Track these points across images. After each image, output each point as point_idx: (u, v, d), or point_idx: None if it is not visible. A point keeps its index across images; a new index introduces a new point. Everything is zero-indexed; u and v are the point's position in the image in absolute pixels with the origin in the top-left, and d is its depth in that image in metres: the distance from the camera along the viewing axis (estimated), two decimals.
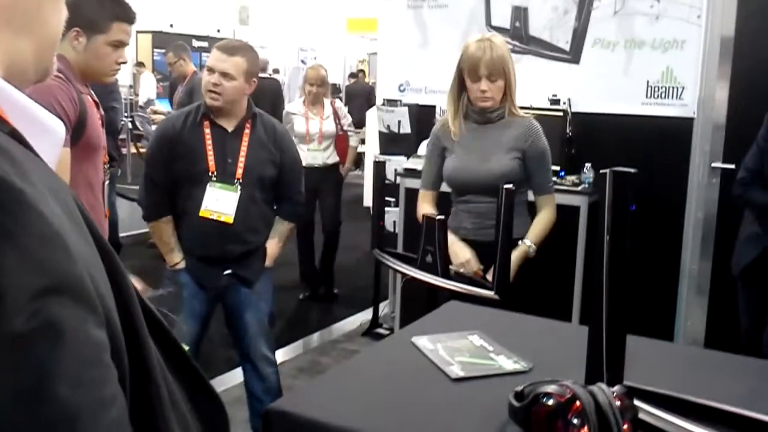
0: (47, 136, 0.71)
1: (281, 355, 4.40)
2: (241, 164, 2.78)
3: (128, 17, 2.25)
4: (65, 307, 0.53)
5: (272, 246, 2.97)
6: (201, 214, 2.76)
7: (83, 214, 0.64)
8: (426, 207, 2.86)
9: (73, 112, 2.08)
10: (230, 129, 2.80)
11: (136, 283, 2.49)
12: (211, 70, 2.72)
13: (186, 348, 0.86)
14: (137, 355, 0.64)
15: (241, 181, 2.78)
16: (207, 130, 2.78)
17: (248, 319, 2.95)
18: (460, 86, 2.73)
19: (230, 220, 2.77)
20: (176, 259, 2.86)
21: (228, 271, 2.87)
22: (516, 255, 2.61)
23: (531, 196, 2.83)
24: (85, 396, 0.53)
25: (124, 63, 2.30)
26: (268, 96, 6.94)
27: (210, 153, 2.76)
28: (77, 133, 2.12)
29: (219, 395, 0.88)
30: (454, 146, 2.78)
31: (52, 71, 0.77)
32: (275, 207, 3.00)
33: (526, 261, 2.67)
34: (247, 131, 2.81)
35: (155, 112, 6.84)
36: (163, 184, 2.82)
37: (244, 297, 2.93)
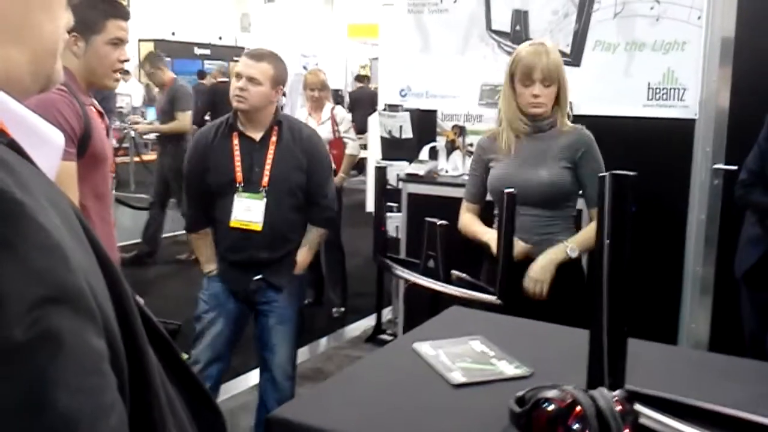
0: (46, 146, 0.71)
1: None
2: (267, 173, 2.83)
3: (122, 14, 2.27)
4: (64, 316, 0.53)
5: (302, 254, 2.99)
6: (231, 224, 2.83)
7: (83, 225, 0.65)
8: (468, 219, 2.78)
9: (77, 126, 2.09)
10: (257, 138, 2.86)
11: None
12: (238, 76, 2.80)
13: (185, 357, 0.86)
14: (136, 363, 0.64)
15: (267, 188, 2.82)
16: (235, 141, 2.86)
17: (272, 324, 2.97)
18: (512, 95, 2.61)
19: (259, 227, 2.82)
20: (211, 267, 2.97)
21: (258, 277, 2.91)
22: (552, 252, 2.53)
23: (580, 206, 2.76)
24: (85, 404, 0.53)
25: (127, 61, 2.31)
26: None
27: (238, 163, 2.83)
28: (83, 145, 2.13)
29: (219, 405, 0.88)
30: (500, 156, 2.66)
31: (57, 80, 0.77)
32: (307, 213, 3.01)
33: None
34: (273, 139, 2.86)
35: (135, 123, 6.88)
36: (201, 195, 2.93)
37: (272, 301, 2.96)
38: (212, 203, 2.91)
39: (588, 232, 2.60)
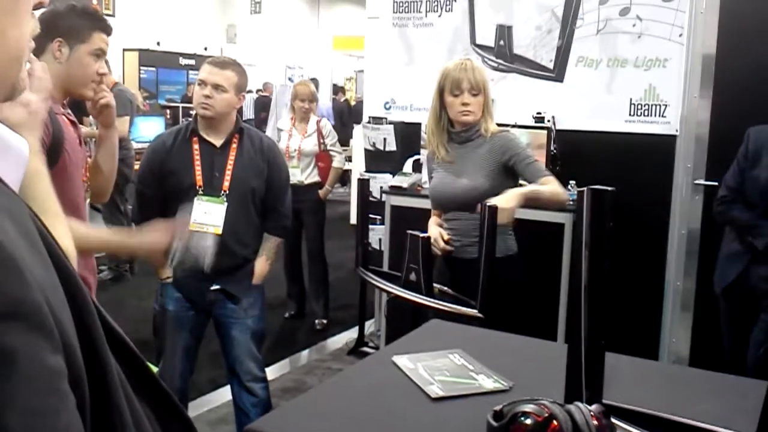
0: (10, 155, 0.69)
1: (267, 374, 4.37)
2: (227, 177, 2.83)
3: (106, 28, 2.29)
4: (18, 333, 0.51)
5: (260, 263, 2.98)
6: (190, 227, 2.79)
7: (43, 237, 0.63)
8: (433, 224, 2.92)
9: (46, 136, 2.06)
10: (218, 144, 2.87)
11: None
12: (203, 83, 2.80)
13: (155, 369, 0.85)
14: (98, 380, 0.62)
15: (227, 193, 2.82)
16: (195, 146, 2.85)
17: (234, 335, 2.97)
18: (440, 107, 2.83)
19: (218, 231, 2.81)
20: (167, 273, 2.92)
21: (215, 287, 2.89)
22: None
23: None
24: (39, 426, 0.51)
25: (105, 74, 2.31)
26: None
27: (198, 168, 2.83)
28: (54, 155, 2.10)
29: (188, 416, 0.87)
30: (437, 166, 2.89)
31: (21, 88, 0.74)
32: (264, 222, 3.00)
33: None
34: (234, 145, 2.88)
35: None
36: (153, 200, 2.89)
37: (231, 313, 2.95)
38: (167, 208, 2.84)
39: (547, 186, 2.66)
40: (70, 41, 2.20)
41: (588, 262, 1.26)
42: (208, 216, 2.81)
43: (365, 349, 4.72)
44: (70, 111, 2.30)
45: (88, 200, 2.40)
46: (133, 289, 5.95)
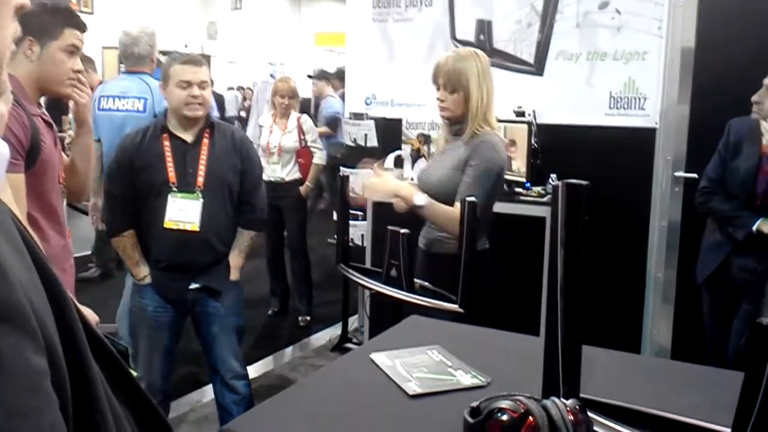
0: None
1: (250, 372, 4.35)
2: (201, 173, 2.80)
3: (80, 24, 2.26)
4: (2, 333, 0.51)
5: (234, 257, 2.96)
6: (165, 225, 2.78)
7: (24, 239, 0.62)
8: None
9: (24, 138, 2.04)
10: (190, 140, 2.83)
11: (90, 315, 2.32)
12: (188, 84, 2.76)
13: (135, 374, 0.84)
14: (80, 381, 0.63)
15: (202, 189, 2.80)
16: (166, 143, 2.82)
17: (216, 332, 2.96)
18: None
19: (196, 228, 2.79)
20: (143, 272, 2.87)
21: (194, 285, 2.86)
22: (401, 186, 2.69)
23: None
24: (23, 426, 0.51)
25: (80, 71, 2.27)
26: None
27: (170, 164, 2.79)
28: (31, 157, 2.07)
29: (166, 418, 0.86)
30: (434, 155, 2.94)
31: (2, 90, 0.74)
32: (238, 216, 2.98)
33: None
34: (206, 140, 2.85)
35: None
36: (124, 199, 2.84)
37: (213, 311, 2.93)
38: (141, 207, 2.83)
39: (444, 209, 2.60)
40: (41, 39, 2.17)
41: (563, 256, 1.25)
42: (183, 213, 2.78)
43: (349, 345, 4.71)
44: (45, 111, 2.26)
45: (64, 201, 2.36)
46: (121, 287, 5.90)
